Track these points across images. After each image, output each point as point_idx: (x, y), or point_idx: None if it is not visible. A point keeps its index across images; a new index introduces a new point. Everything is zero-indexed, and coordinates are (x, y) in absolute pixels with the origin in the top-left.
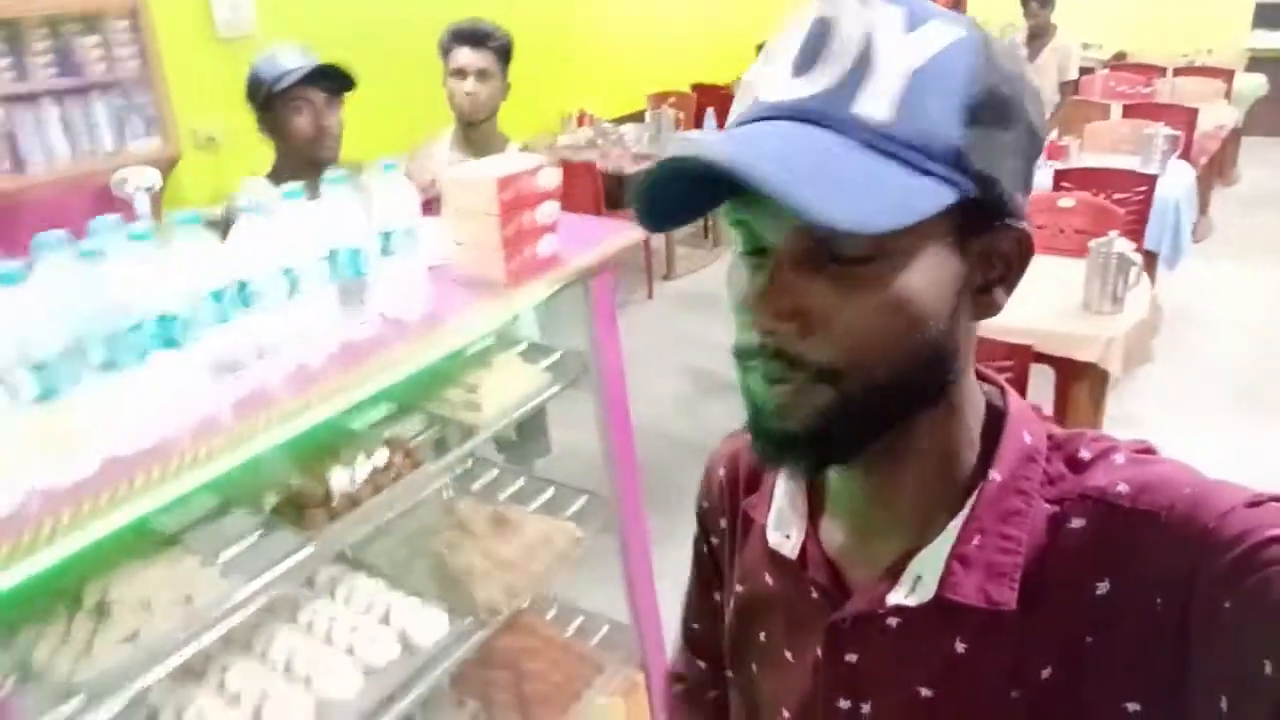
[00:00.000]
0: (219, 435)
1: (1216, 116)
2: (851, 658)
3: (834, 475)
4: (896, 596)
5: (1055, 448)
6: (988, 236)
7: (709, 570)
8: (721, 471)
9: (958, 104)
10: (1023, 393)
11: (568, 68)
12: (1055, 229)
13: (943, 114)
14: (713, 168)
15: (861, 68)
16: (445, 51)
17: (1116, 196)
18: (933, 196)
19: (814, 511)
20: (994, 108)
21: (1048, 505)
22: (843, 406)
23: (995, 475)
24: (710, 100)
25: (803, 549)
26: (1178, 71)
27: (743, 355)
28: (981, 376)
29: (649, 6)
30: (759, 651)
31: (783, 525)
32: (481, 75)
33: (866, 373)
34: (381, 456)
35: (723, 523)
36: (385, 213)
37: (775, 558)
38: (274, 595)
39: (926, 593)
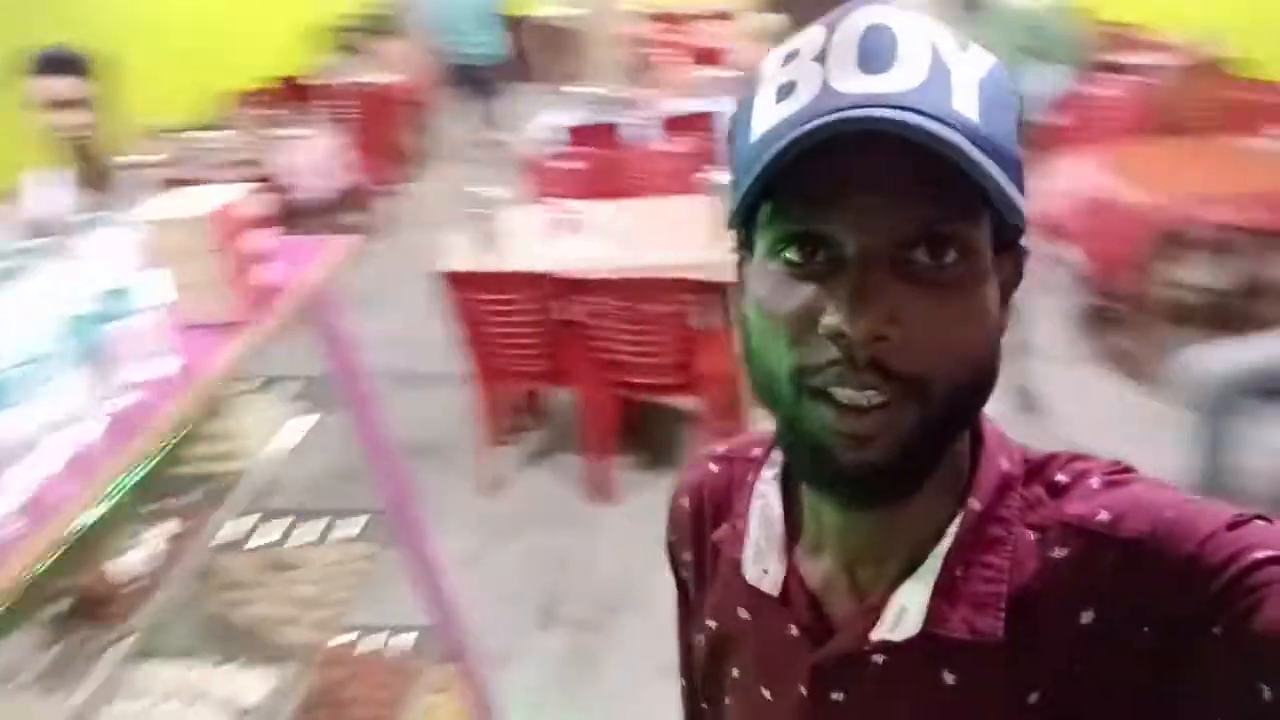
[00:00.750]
0: None
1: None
2: (838, 696)
3: (834, 523)
4: (880, 632)
5: (1031, 472)
6: (1007, 254)
7: (684, 604)
8: (686, 502)
9: (1015, 120)
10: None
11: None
12: (667, 173)
13: (1009, 127)
14: (892, 133)
15: (941, 71)
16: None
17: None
18: (1020, 201)
19: (790, 543)
20: (1024, 130)
21: (1029, 532)
22: (924, 427)
23: (975, 504)
24: (301, 96)
25: (784, 584)
26: (694, 18)
27: (811, 374)
28: None
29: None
30: (733, 688)
31: (760, 559)
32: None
33: (954, 385)
34: (157, 532)
35: (687, 555)
36: (106, 268)
37: (751, 592)
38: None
39: (911, 627)
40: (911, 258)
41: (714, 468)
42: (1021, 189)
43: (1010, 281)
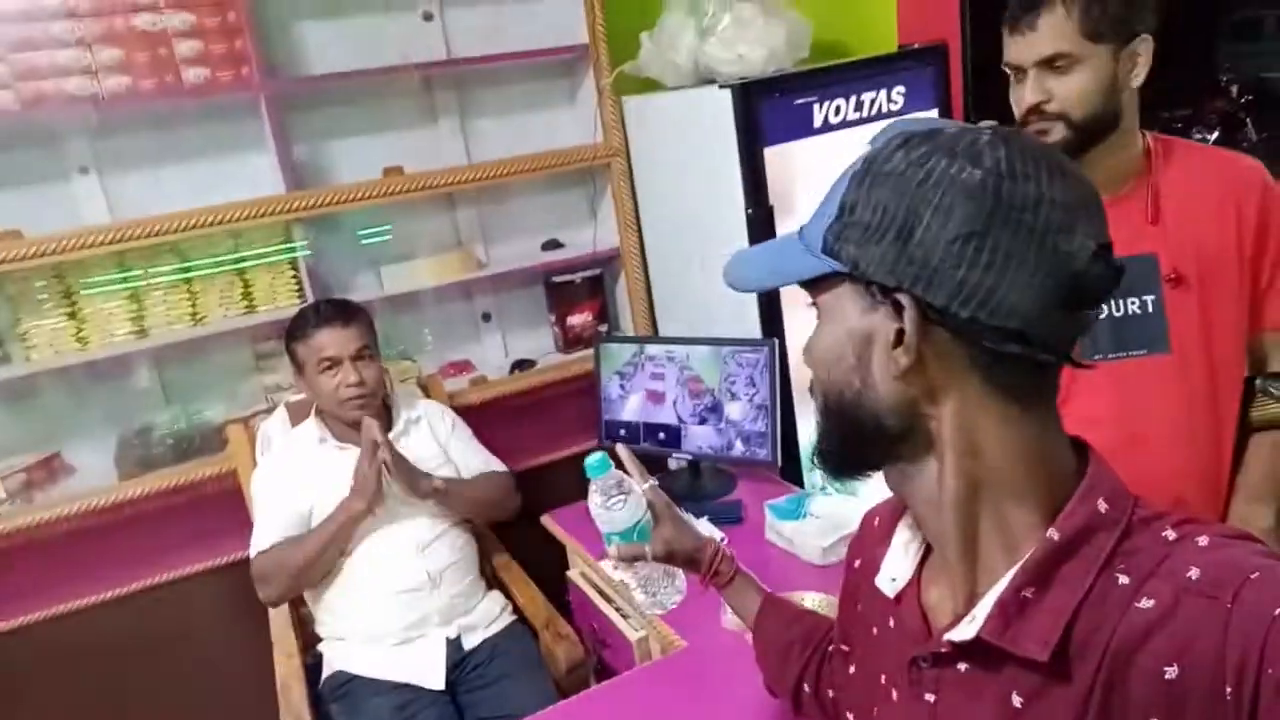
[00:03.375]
0: None
1: None
2: (930, 697)
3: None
4: (951, 634)
5: (1140, 523)
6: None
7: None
8: (875, 520)
9: (835, 200)
10: None
11: None
12: None
13: (825, 212)
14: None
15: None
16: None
17: None
18: (806, 266)
19: (923, 564)
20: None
21: (1122, 577)
22: (823, 419)
23: (1053, 534)
24: None
25: (901, 594)
26: None
27: None
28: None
29: None
30: (879, 691)
31: (893, 568)
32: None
33: (822, 384)
34: None
35: (857, 563)
36: None
37: (885, 601)
38: None
39: (970, 632)
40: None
41: None
42: (840, 258)
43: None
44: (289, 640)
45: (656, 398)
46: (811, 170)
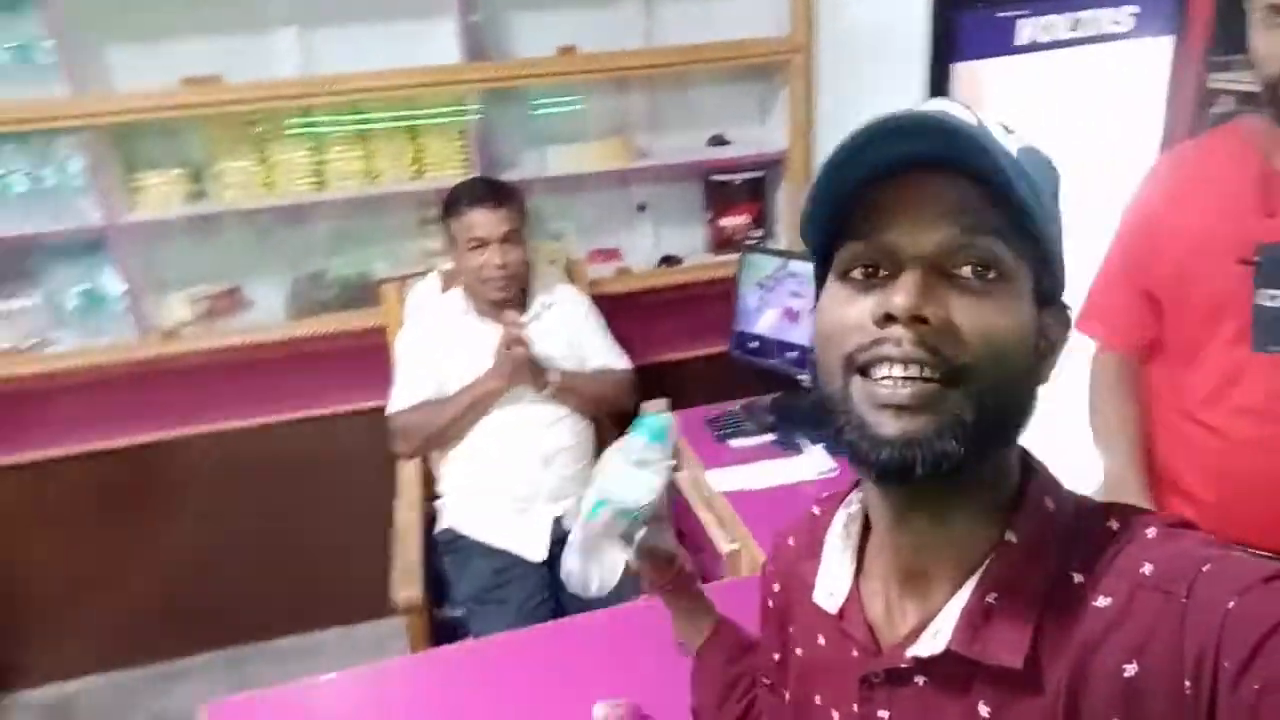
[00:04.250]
0: None
1: None
2: (884, 714)
3: (889, 527)
4: (915, 649)
5: (1086, 519)
6: (1049, 311)
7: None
8: (791, 539)
9: (1054, 182)
10: None
11: None
12: None
13: (1050, 183)
14: (933, 133)
15: (988, 125)
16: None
17: None
18: (1055, 241)
19: (858, 576)
20: (1058, 200)
21: (1076, 575)
22: (964, 415)
23: (1011, 537)
24: None
25: (843, 609)
26: None
27: (860, 354)
28: None
29: None
30: (815, 713)
31: (829, 584)
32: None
33: (991, 377)
34: None
35: (778, 585)
36: None
37: (825, 619)
38: None
39: (939, 646)
40: (958, 273)
41: (816, 510)
42: (1059, 237)
43: (1057, 338)
44: (413, 492)
45: (792, 316)
46: (1003, 95)
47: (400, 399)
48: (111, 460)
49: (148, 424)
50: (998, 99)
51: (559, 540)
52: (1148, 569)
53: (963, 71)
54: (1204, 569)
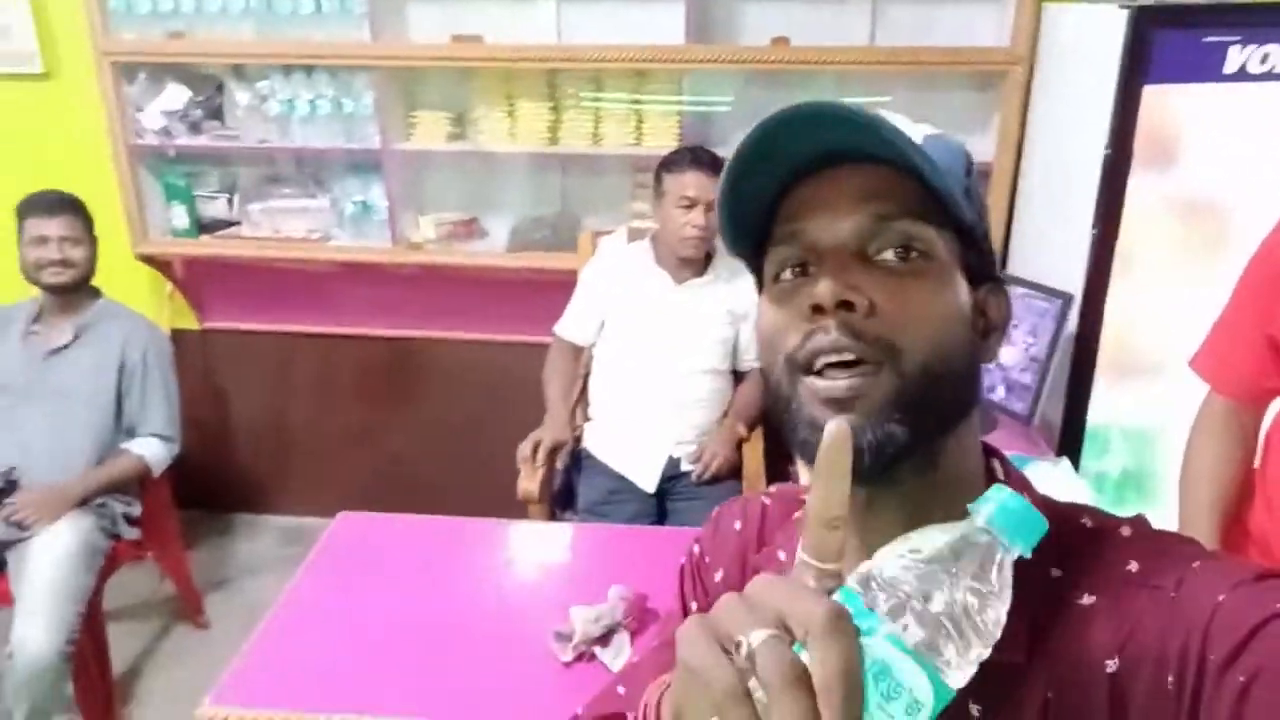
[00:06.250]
0: None
1: None
2: None
3: (856, 531)
4: None
5: (1060, 519)
6: (984, 289)
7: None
8: (736, 524)
9: (963, 160)
10: None
11: None
12: None
13: (957, 162)
14: (829, 124)
15: (891, 118)
16: None
17: None
18: (972, 217)
19: None
20: (973, 179)
21: (1055, 570)
22: (899, 396)
23: None
24: None
25: None
26: None
27: (797, 353)
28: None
29: None
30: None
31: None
32: None
33: (923, 360)
34: None
35: (718, 574)
36: None
37: None
38: None
39: None
40: (880, 257)
41: (766, 501)
42: (980, 216)
43: (997, 315)
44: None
45: None
46: (1204, 122)
47: (562, 323)
48: (370, 345)
49: (396, 320)
50: (1192, 128)
51: (670, 476)
52: (1134, 566)
53: (1154, 95)
54: (1194, 565)
